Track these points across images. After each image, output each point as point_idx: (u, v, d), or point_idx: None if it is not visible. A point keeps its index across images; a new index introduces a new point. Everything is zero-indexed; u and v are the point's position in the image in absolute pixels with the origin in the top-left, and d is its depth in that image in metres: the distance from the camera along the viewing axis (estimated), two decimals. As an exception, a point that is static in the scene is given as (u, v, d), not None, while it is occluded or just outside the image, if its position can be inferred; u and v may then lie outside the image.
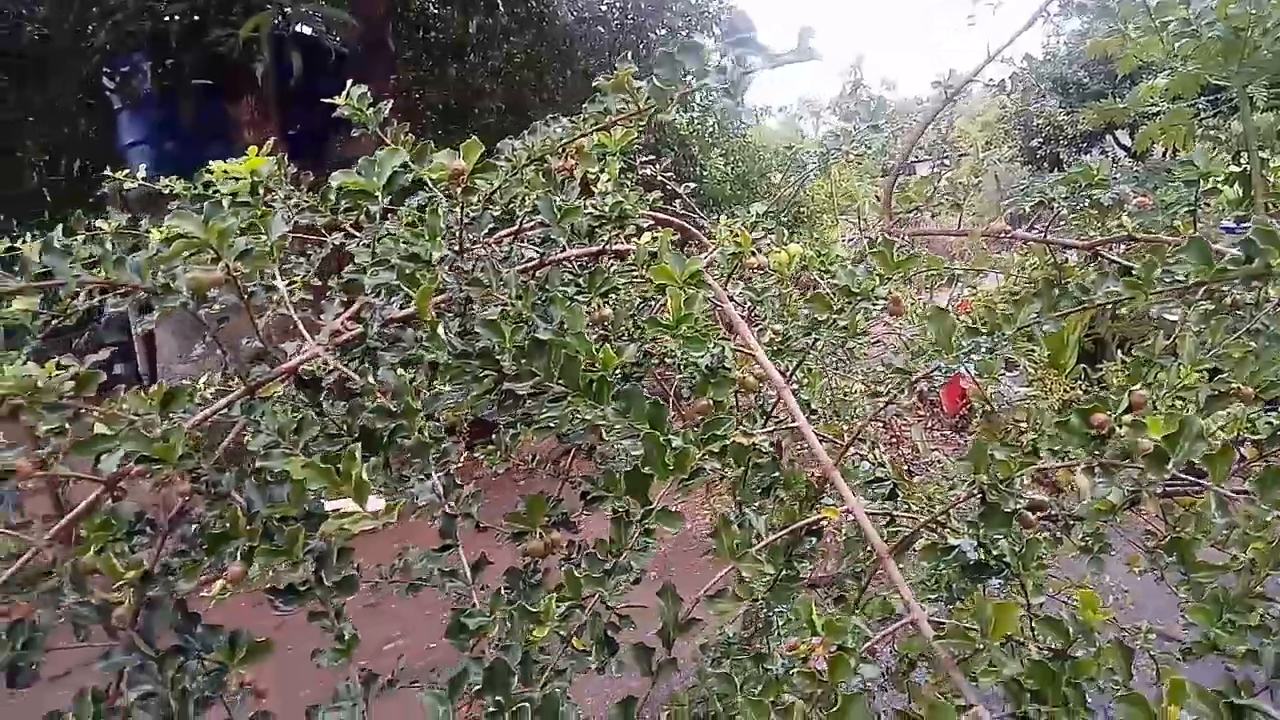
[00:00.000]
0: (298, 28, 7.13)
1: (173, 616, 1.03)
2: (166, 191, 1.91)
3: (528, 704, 0.86)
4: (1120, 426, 0.94)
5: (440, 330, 1.08)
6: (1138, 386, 0.95)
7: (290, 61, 6.46)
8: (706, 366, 1.30)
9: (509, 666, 0.88)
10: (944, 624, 0.98)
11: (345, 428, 1.17)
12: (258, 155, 1.45)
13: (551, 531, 1.34)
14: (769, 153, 12.88)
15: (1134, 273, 1.02)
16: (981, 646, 0.96)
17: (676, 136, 10.78)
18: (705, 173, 11.71)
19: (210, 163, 1.69)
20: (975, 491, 1.03)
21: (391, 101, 1.59)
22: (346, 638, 1.01)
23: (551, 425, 1.20)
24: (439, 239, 1.06)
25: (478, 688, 0.90)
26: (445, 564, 1.18)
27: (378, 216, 1.18)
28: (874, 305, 1.24)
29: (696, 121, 11.34)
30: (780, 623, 1.70)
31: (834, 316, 1.24)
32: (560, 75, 9.96)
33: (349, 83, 1.56)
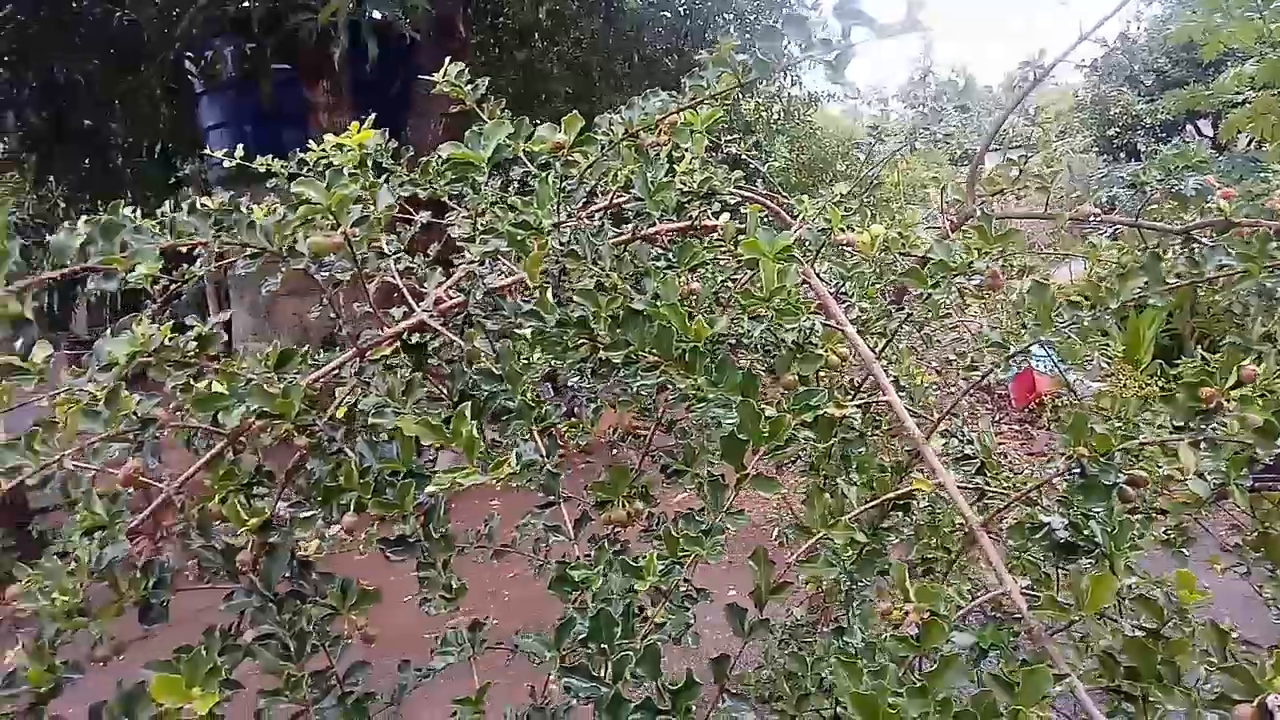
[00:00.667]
0: (372, 13, 7.26)
1: (289, 564, 1.08)
2: (263, 170, 1.99)
3: (631, 653, 0.89)
4: (1229, 401, 0.93)
5: (549, 295, 1.11)
6: (1247, 361, 0.94)
7: (366, 46, 6.59)
8: (793, 342, 1.31)
9: (614, 617, 0.91)
10: (1039, 595, 0.99)
11: (446, 391, 1.22)
12: (360, 131, 1.51)
13: (634, 501, 1.37)
14: (835, 140, 12.76)
15: (1242, 248, 1.01)
16: (1076, 619, 0.96)
17: (742, 123, 10.72)
18: (771, 159, 11.63)
19: (290, 144, 1.76)
20: (1074, 465, 1.03)
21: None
22: (454, 587, 1.05)
23: (643, 394, 1.23)
24: (549, 207, 1.10)
25: (582, 636, 0.93)
26: (549, 519, 1.22)
27: (482, 188, 1.21)
28: (969, 280, 1.23)
29: (762, 108, 11.27)
30: (857, 601, 1.71)
31: (929, 291, 1.24)
32: (627, 61, 9.99)
33: (446, 61, 1.60)
